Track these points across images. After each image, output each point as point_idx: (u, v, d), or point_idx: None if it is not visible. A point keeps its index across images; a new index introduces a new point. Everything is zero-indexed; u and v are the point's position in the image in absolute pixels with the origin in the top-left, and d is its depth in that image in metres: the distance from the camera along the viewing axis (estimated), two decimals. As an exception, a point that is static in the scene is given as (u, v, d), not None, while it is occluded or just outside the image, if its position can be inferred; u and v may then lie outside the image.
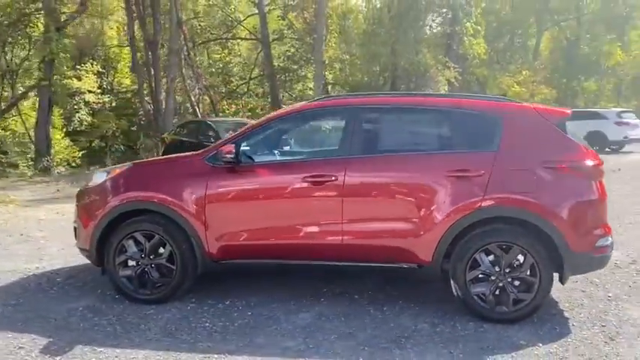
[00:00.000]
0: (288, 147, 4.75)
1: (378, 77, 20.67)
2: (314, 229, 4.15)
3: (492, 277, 3.92)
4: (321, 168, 4.13)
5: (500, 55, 29.11)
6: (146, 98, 19.49)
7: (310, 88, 22.26)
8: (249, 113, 23.15)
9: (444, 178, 3.97)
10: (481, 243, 3.91)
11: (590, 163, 3.95)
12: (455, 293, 4.01)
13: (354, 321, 4.00)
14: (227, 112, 23.97)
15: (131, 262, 4.40)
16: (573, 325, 3.93)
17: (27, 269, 5.34)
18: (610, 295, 4.54)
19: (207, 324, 4.00)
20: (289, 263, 4.30)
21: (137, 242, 4.33)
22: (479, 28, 21.83)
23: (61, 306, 4.36)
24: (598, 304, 4.30)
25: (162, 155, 11.74)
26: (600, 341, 3.66)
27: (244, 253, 4.27)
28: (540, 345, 3.60)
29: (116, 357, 3.49)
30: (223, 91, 24.84)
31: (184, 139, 12.21)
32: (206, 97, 23.44)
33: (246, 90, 25.12)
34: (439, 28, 22.28)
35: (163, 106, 18.40)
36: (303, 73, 23.93)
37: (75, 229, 4.70)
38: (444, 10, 22.00)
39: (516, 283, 3.93)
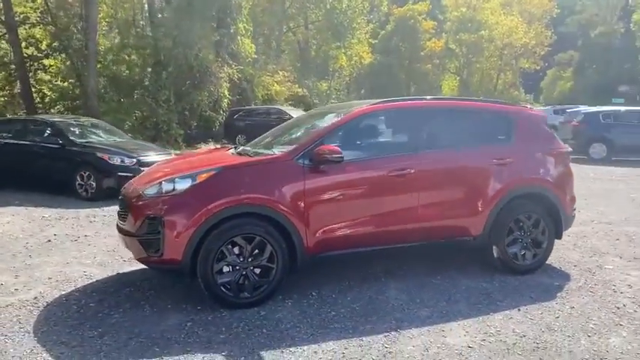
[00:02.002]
0: (360, 144, 5.12)
1: (159, 72, 20.01)
2: (397, 216, 4.77)
3: (520, 240, 5.18)
4: (400, 162, 4.76)
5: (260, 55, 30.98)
6: None
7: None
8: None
9: (490, 166, 5.05)
10: (513, 215, 5.12)
11: (567, 149, 5.53)
12: (495, 255, 5.15)
13: (425, 289, 4.80)
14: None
15: (226, 268, 4.28)
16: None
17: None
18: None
19: (333, 313, 4.29)
20: (367, 250, 4.78)
21: (237, 246, 4.26)
22: (250, 28, 23.06)
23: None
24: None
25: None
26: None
27: (339, 245, 4.61)
28: (547, 280, 5.04)
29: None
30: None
31: (12, 141, 10.27)
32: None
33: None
34: (213, 24, 22.64)
35: None
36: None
37: (141, 240, 4.26)
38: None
39: (532, 241, 5.26)
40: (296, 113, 21.32)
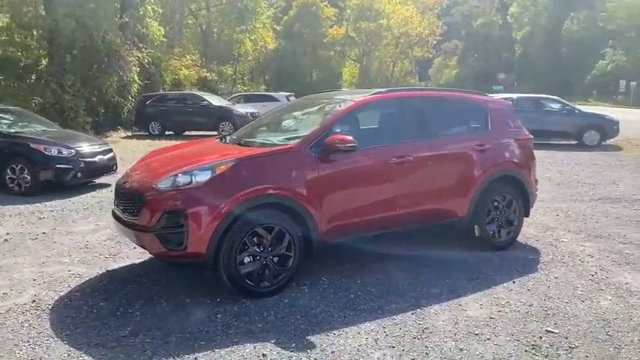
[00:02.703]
0: (363, 132, 5.24)
1: (63, 55, 18.57)
2: (398, 201, 5.04)
3: (496, 219, 5.68)
4: (401, 150, 5.02)
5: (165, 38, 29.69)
6: None
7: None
8: None
9: (473, 152, 5.47)
10: (491, 197, 5.60)
11: (530, 136, 6.10)
12: (477, 234, 5.60)
13: (422, 268, 5.15)
14: None
15: (247, 259, 4.31)
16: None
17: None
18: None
19: (352, 295, 4.49)
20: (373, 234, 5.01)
21: (257, 237, 4.30)
22: (158, 10, 22.09)
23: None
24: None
25: None
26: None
27: (348, 230, 4.79)
28: (521, 254, 5.62)
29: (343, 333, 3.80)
30: None
31: None
32: None
33: None
34: (117, 5, 21.41)
35: None
36: None
37: (160, 235, 4.15)
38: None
39: (506, 220, 5.78)
40: (214, 99, 20.95)
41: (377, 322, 3.96)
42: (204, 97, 20.57)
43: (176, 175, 4.28)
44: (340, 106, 5.08)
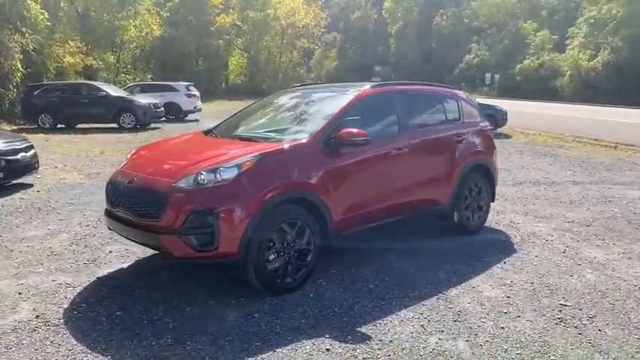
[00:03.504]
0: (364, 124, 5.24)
1: None
2: (400, 190, 5.25)
3: (470, 205, 6.09)
4: (400, 141, 5.22)
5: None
6: None
7: None
8: None
9: (454, 143, 5.82)
10: (467, 184, 6.00)
11: (490, 126, 6.59)
12: (456, 220, 5.97)
13: (417, 256, 5.42)
14: None
15: (272, 256, 4.25)
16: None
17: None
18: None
19: (372, 285, 4.61)
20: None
21: (282, 233, 4.27)
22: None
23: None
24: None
25: None
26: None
27: (359, 221, 4.89)
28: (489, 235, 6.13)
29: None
30: None
31: None
32: None
33: None
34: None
35: None
36: None
37: (187, 236, 3.95)
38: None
39: (477, 205, 6.21)
40: (111, 89, 19.69)
41: (412, 310, 4.11)
42: (102, 87, 19.26)
43: (199, 173, 4.08)
44: (342, 98, 5.12)
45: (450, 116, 6.06)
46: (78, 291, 4.46)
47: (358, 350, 3.50)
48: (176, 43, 41.75)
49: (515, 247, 5.76)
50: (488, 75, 53.91)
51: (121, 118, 18.23)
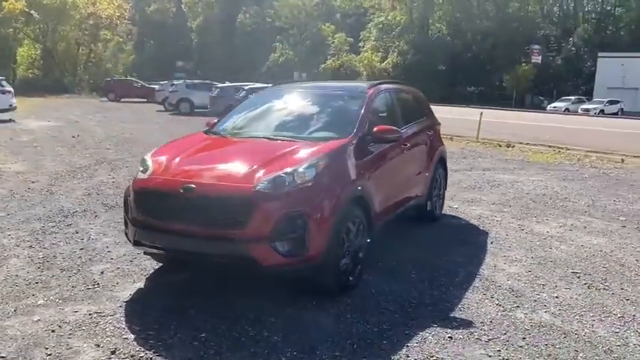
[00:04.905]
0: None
1: None
2: (406, 183, 5.51)
3: (436, 194, 6.60)
4: (404, 135, 5.44)
5: None
6: None
7: None
8: None
9: (429, 137, 6.26)
10: (436, 176, 6.49)
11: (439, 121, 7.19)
12: (428, 209, 6.42)
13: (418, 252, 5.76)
14: None
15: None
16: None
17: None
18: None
19: (412, 288, 4.71)
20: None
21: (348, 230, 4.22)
22: None
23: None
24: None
25: None
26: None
27: (387, 213, 5.03)
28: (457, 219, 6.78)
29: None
30: None
31: None
32: None
33: None
34: None
35: None
36: None
37: (278, 243, 3.69)
38: None
39: (438, 193, 6.74)
40: None
41: (476, 292, 4.41)
42: None
43: (278, 175, 3.81)
44: (356, 97, 5.18)
45: (422, 112, 6.48)
46: (121, 319, 3.79)
47: (476, 334, 3.66)
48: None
49: (482, 229, 6.40)
50: (296, 73, 56.42)
51: None
